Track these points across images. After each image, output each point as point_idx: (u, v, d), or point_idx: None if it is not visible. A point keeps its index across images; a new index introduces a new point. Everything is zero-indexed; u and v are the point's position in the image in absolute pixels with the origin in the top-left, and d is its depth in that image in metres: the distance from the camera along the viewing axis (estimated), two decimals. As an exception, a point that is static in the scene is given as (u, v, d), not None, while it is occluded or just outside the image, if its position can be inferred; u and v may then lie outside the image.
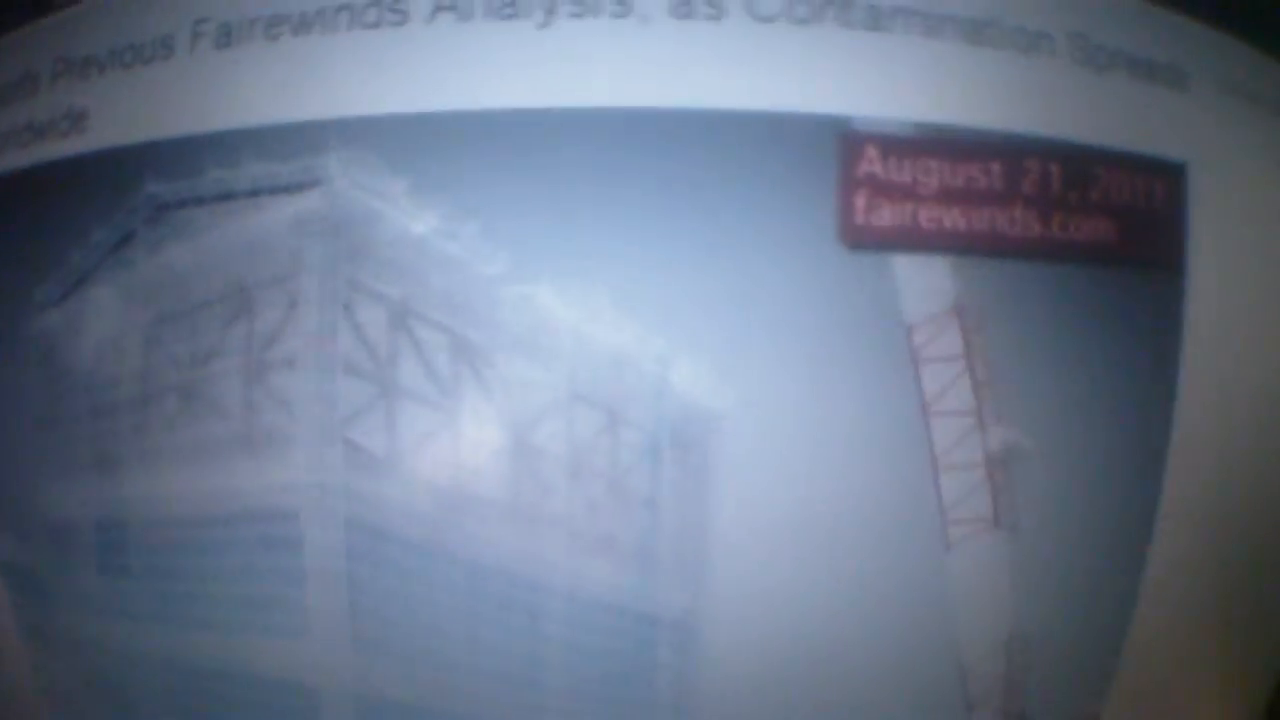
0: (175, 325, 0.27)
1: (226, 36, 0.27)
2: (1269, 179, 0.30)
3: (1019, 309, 0.26)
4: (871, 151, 0.24)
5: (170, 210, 0.26)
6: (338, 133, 0.24)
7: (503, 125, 0.23)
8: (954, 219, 0.25)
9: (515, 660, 0.26)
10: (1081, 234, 0.26)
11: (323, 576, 0.26)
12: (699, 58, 0.25)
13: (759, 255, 0.23)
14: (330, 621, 0.27)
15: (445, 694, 0.27)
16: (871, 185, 0.24)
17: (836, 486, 0.25)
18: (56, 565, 0.31)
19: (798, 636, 0.26)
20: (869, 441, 0.25)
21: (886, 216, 0.24)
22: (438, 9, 0.26)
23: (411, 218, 0.24)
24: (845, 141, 0.24)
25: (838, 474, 0.25)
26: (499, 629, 0.26)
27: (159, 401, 0.27)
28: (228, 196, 0.25)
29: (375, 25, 0.26)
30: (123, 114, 0.28)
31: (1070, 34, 0.28)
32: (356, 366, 0.25)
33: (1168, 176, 0.27)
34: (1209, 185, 0.28)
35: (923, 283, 0.25)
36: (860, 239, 0.24)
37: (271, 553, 0.27)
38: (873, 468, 0.25)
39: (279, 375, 0.25)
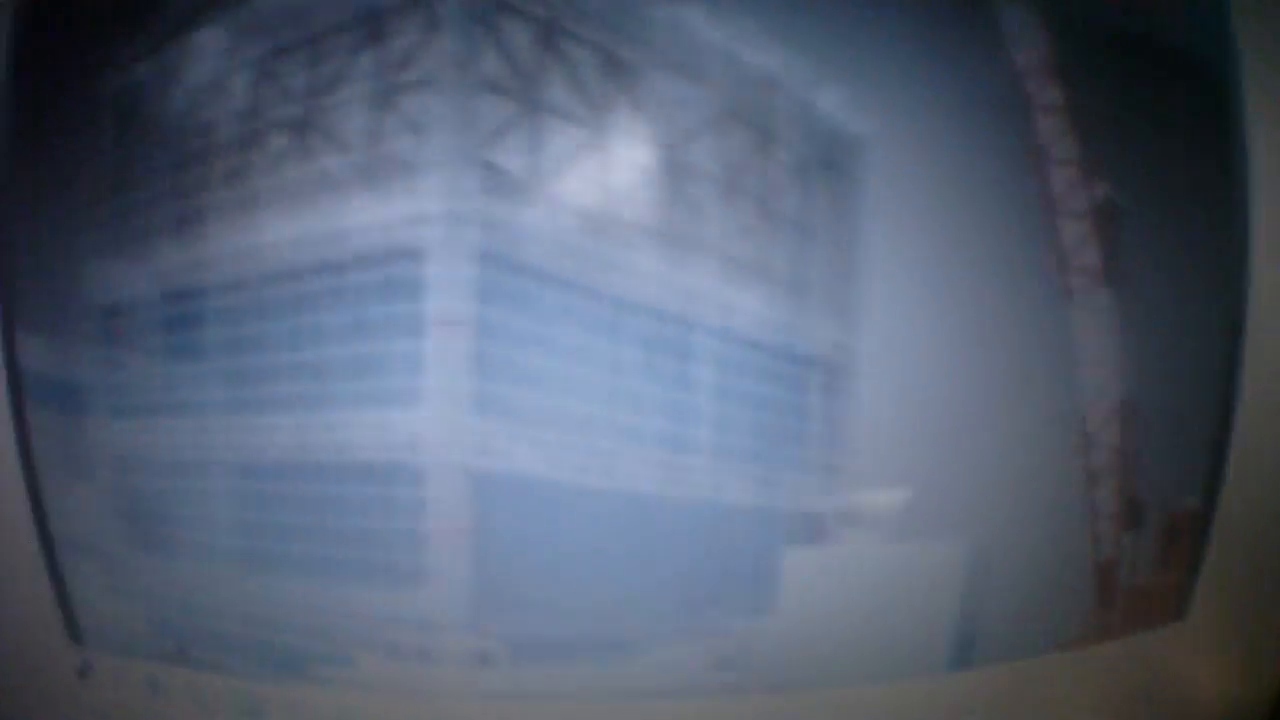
0: (292, 57, 0.26)
1: None
2: None
3: (1112, 75, 0.29)
4: None
5: None
6: None
7: None
8: None
9: (658, 412, 0.26)
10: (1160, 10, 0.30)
11: (448, 323, 0.25)
12: None
13: None
14: (452, 378, 0.25)
15: (577, 461, 0.26)
16: None
17: (972, 226, 0.27)
18: (106, 362, 0.29)
19: (941, 387, 0.28)
20: (999, 182, 0.27)
21: None
22: None
23: None
24: None
25: (973, 213, 0.27)
26: (642, 375, 0.26)
27: (264, 140, 0.26)
28: None
29: None
30: None
31: None
32: (500, 85, 0.25)
33: None
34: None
35: (1025, 37, 0.29)
36: None
37: (388, 300, 0.26)
38: (1004, 208, 0.27)
39: (411, 98, 0.25)
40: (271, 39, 0.26)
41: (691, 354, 0.26)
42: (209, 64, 0.27)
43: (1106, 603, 0.31)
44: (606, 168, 0.25)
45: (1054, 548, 0.30)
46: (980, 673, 0.28)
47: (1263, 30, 0.33)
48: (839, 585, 0.27)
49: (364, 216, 0.25)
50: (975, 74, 0.27)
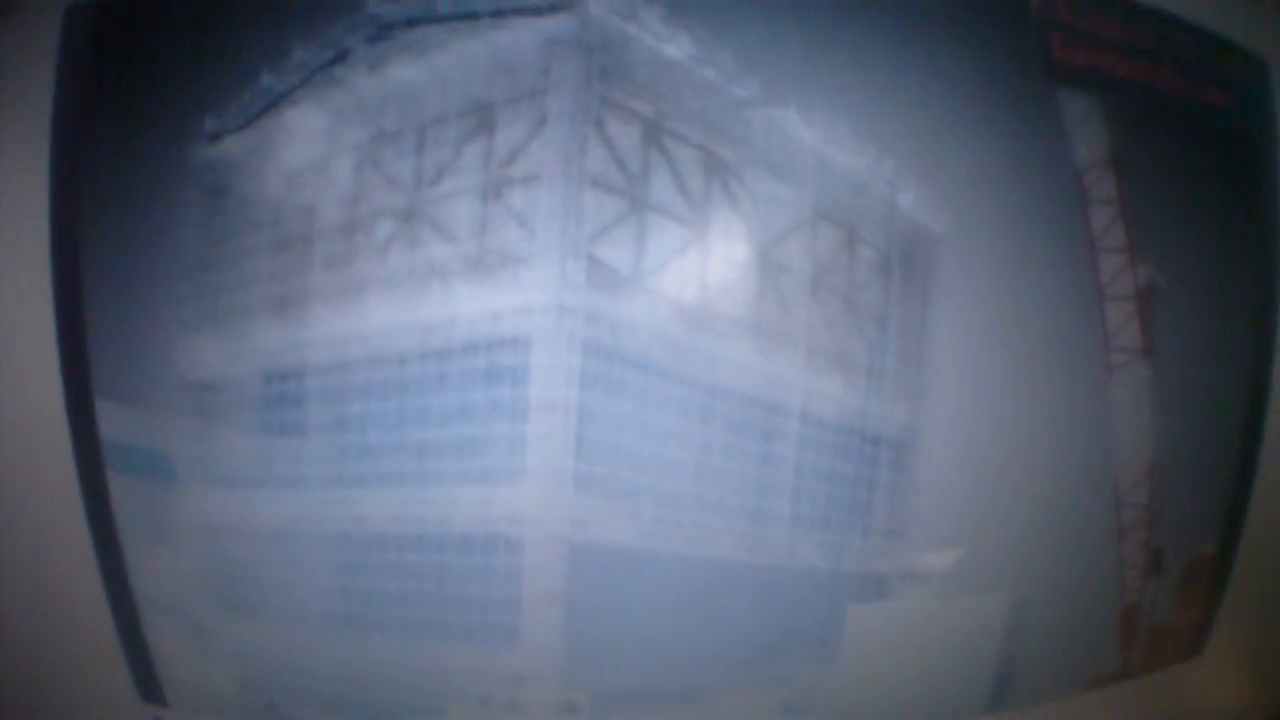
0: (398, 144, 0.28)
1: None
2: None
3: (1160, 163, 0.33)
4: (1063, 4, 0.31)
5: (397, 29, 0.28)
6: None
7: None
8: (1125, 68, 0.32)
9: (743, 489, 0.29)
10: (1206, 97, 0.34)
11: (551, 408, 0.28)
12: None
13: (976, 82, 0.29)
14: (554, 458, 0.28)
15: (668, 533, 0.29)
16: (1064, 29, 0.31)
17: (1027, 312, 0.31)
18: (196, 436, 0.31)
19: (993, 458, 0.31)
20: (1052, 271, 0.31)
21: (1078, 58, 0.31)
22: None
23: (666, 41, 0.28)
24: None
25: (1028, 300, 0.31)
26: (730, 455, 0.29)
27: (368, 228, 0.28)
28: (470, 16, 0.28)
29: None
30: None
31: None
32: (606, 181, 0.28)
33: (1256, 67, 0.36)
34: None
35: (1087, 133, 0.32)
36: (1061, 73, 0.30)
37: (494, 385, 0.28)
38: (1056, 295, 0.31)
39: (520, 192, 0.27)
40: (375, 124, 0.28)
41: (775, 435, 0.29)
42: (307, 145, 0.28)
43: (1128, 643, 0.36)
44: (704, 264, 0.28)
45: (1085, 596, 0.34)
46: (1016, 714, 0.32)
47: None
48: (895, 636, 0.31)
49: (470, 306, 0.27)
50: (1038, 171, 0.31)
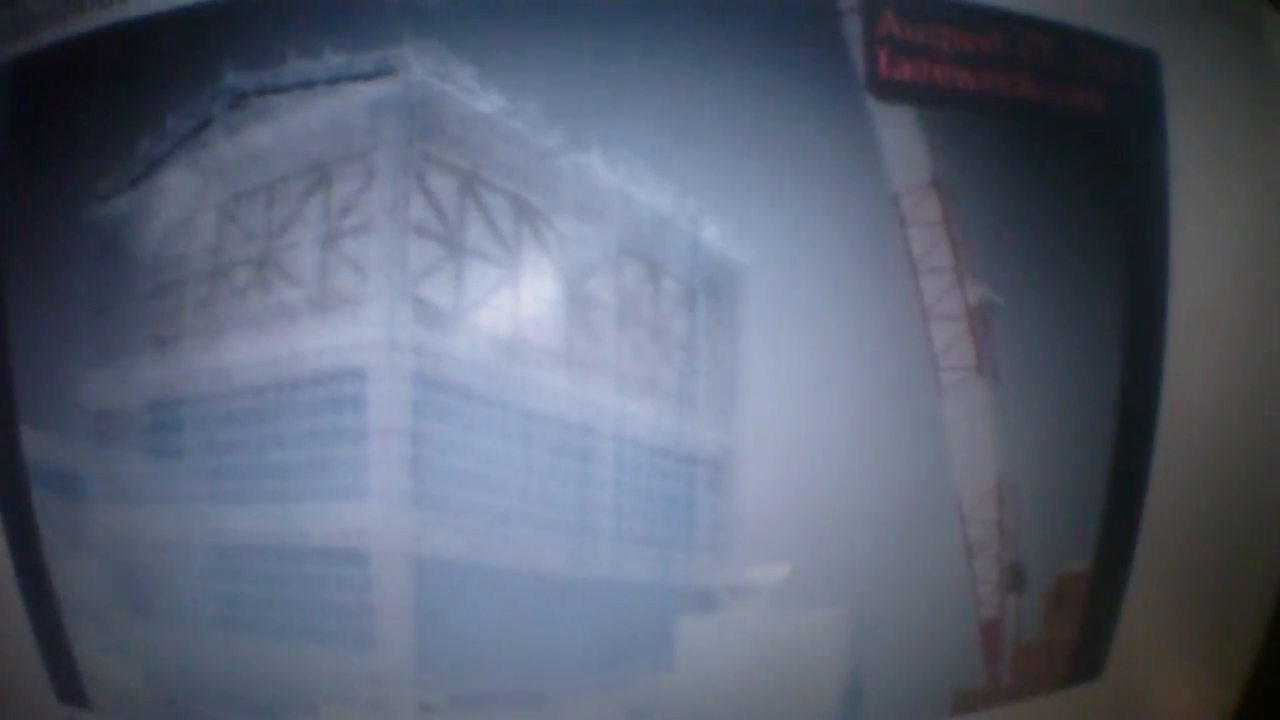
0: (252, 201, 0.33)
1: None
2: (1233, 78, 0.39)
3: (990, 181, 0.35)
4: (890, 14, 0.33)
5: (250, 97, 0.33)
6: (412, 25, 0.32)
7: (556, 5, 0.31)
8: (965, 78, 0.34)
9: (566, 507, 0.33)
10: (1075, 101, 0.35)
11: (387, 433, 0.32)
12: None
13: (784, 113, 0.32)
14: (392, 478, 0.33)
15: (498, 547, 0.33)
16: (891, 44, 0.33)
17: (845, 335, 0.34)
18: (100, 457, 0.37)
19: (818, 477, 0.34)
20: (871, 294, 0.34)
21: (907, 72, 0.33)
22: None
23: (479, 99, 0.32)
24: (870, 5, 0.33)
25: (846, 323, 0.33)
26: (552, 476, 0.33)
27: (229, 274, 0.34)
28: (309, 84, 0.33)
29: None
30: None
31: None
32: (428, 229, 0.32)
33: (1142, 61, 0.37)
34: (1181, 75, 0.37)
35: (906, 156, 0.34)
36: (883, 91, 0.33)
37: (337, 413, 0.33)
38: (876, 317, 0.34)
39: (353, 241, 0.32)
40: (234, 184, 0.33)
41: (592, 456, 0.33)
42: (179, 204, 0.34)
43: (993, 659, 0.38)
44: (518, 300, 0.32)
45: (937, 611, 0.36)
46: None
47: (1196, 108, 0.38)
48: (730, 648, 0.34)
49: (315, 342, 0.33)
50: (850, 197, 0.34)
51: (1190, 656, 0.41)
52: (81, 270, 0.36)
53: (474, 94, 0.32)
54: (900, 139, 0.35)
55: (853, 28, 0.34)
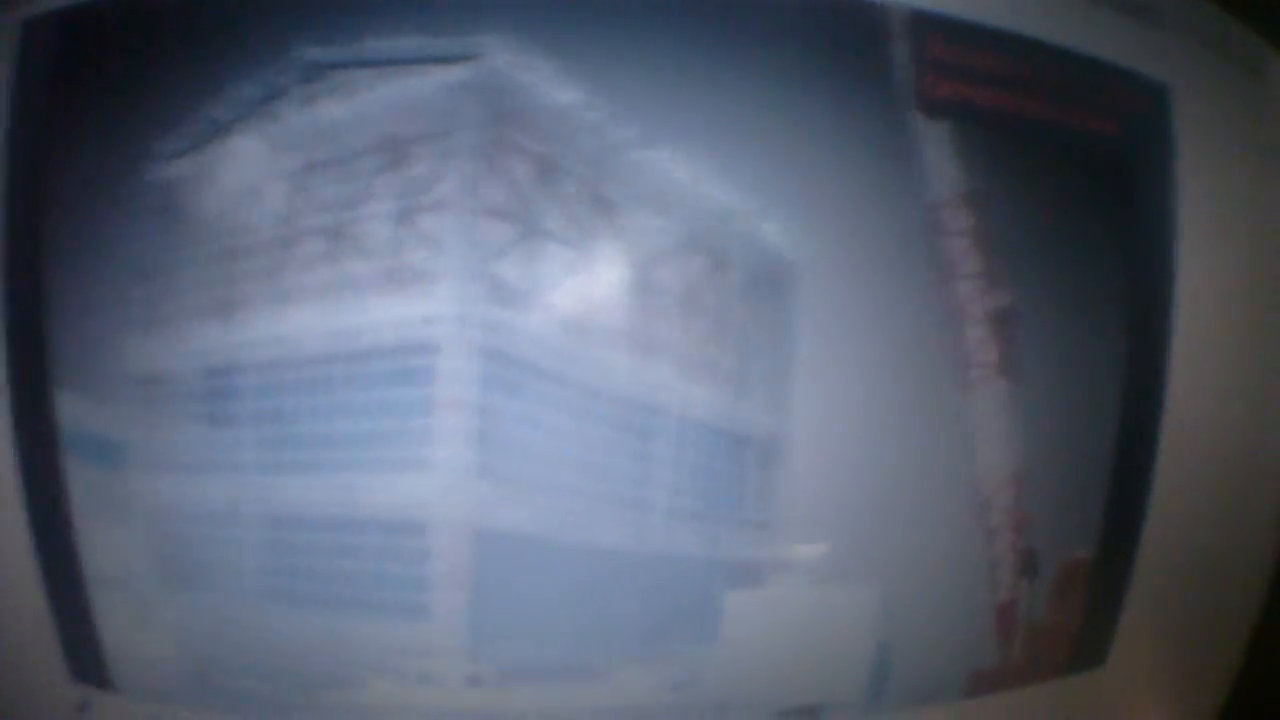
0: (325, 172, 0.34)
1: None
2: (1238, 116, 0.43)
3: (1015, 196, 0.38)
4: (939, 38, 0.36)
5: (326, 71, 0.34)
6: (493, 16, 0.33)
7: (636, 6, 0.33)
8: (999, 99, 0.37)
9: (625, 481, 0.35)
10: (1092, 125, 0.39)
11: (456, 406, 0.33)
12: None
13: (837, 126, 0.35)
14: (458, 451, 0.34)
15: (560, 520, 0.35)
16: (936, 65, 0.36)
17: (884, 332, 0.36)
18: (142, 423, 0.36)
19: (855, 462, 0.36)
20: (909, 295, 0.36)
21: (949, 91, 0.36)
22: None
23: (559, 91, 0.34)
24: (918, 28, 0.36)
25: (886, 322, 0.36)
26: (612, 452, 0.35)
27: (299, 243, 0.34)
28: (390, 62, 0.34)
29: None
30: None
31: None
32: (504, 210, 0.33)
33: (1153, 93, 0.40)
34: (1189, 108, 0.41)
35: (943, 170, 0.37)
36: (929, 108, 0.36)
37: (404, 385, 0.34)
38: (912, 317, 0.37)
39: (429, 217, 0.33)
40: (306, 154, 0.34)
41: (652, 433, 0.35)
42: (248, 170, 0.34)
43: (1006, 639, 0.41)
44: (589, 283, 0.34)
45: (958, 591, 0.39)
46: (906, 711, 0.37)
47: (1203, 141, 0.42)
48: (771, 620, 0.36)
49: (385, 315, 0.33)
50: (895, 204, 0.37)
51: (1189, 645, 0.45)
52: (134, 231, 0.35)
53: (554, 85, 0.34)
54: (938, 154, 0.38)
55: (900, 49, 0.37)
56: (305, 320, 0.34)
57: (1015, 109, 0.39)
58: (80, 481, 0.37)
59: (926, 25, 0.37)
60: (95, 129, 0.37)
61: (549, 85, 0.34)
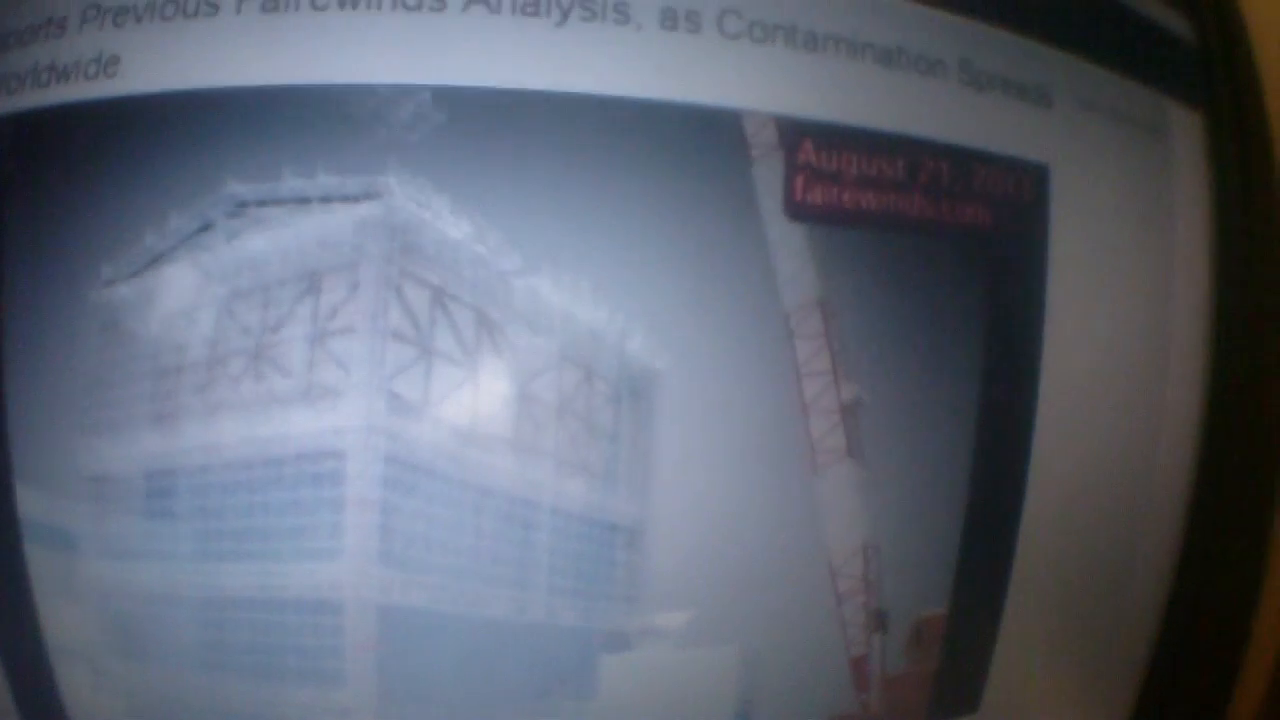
0: (248, 300, 0.40)
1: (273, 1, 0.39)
2: (1124, 182, 0.47)
3: (869, 295, 0.44)
4: (808, 144, 0.42)
5: (250, 207, 0.40)
6: (396, 158, 0.40)
7: (525, 124, 0.39)
8: (868, 200, 0.43)
9: (510, 565, 0.41)
10: (964, 218, 0.44)
11: (362, 503, 0.40)
12: (679, 61, 0.40)
13: (700, 242, 0.40)
14: (364, 541, 0.40)
15: (453, 598, 0.41)
16: (807, 171, 0.42)
17: (740, 426, 0.43)
18: (93, 516, 0.42)
19: (715, 540, 0.43)
20: (762, 392, 0.43)
21: (819, 196, 0.42)
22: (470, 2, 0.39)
23: (451, 226, 0.40)
24: (789, 136, 0.40)
25: (741, 416, 0.43)
26: (499, 540, 0.41)
27: (225, 363, 0.40)
28: (304, 200, 0.40)
29: (416, 8, 0.40)
30: (156, 62, 0.39)
31: (959, 60, 0.44)
32: (402, 334, 0.40)
33: (1032, 175, 0.44)
34: (1069, 185, 0.44)
35: (797, 278, 0.44)
36: (799, 213, 0.41)
37: (318, 486, 0.40)
38: (765, 411, 0.43)
39: (338, 341, 0.40)
40: (231, 283, 0.40)
41: (532, 524, 0.42)
42: (180, 297, 0.41)
43: (862, 688, 0.48)
44: (475, 396, 0.41)
45: (812, 649, 0.46)
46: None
47: (1081, 216, 0.46)
48: (642, 680, 0.43)
49: (301, 426, 0.40)
50: (754, 309, 0.43)
51: (1070, 689, 0.52)
52: (82, 346, 0.42)
53: (447, 221, 0.40)
54: (794, 264, 0.44)
55: (770, 159, 0.42)
56: (232, 429, 0.41)
57: (883, 208, 0.45)
58: (40, 565, 0.43)
59: (798, 131, 0.42)
60: (49, 247, 0.43)
61: (442, 221, 0.40)
